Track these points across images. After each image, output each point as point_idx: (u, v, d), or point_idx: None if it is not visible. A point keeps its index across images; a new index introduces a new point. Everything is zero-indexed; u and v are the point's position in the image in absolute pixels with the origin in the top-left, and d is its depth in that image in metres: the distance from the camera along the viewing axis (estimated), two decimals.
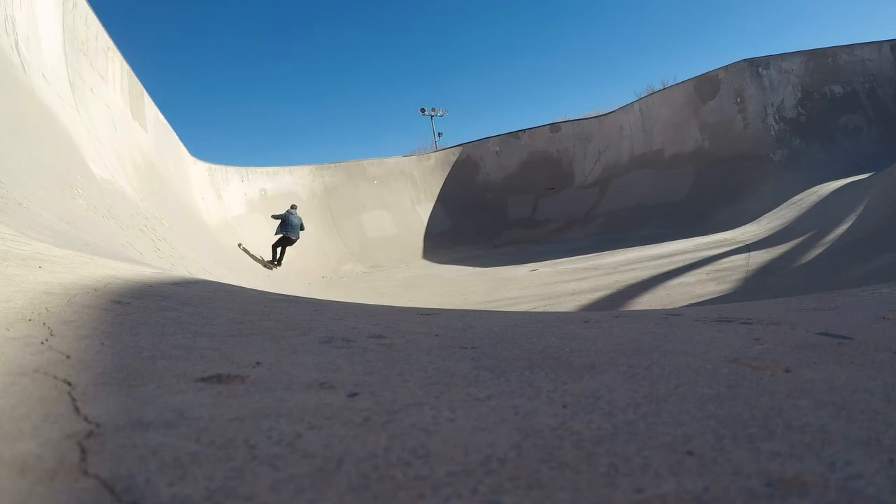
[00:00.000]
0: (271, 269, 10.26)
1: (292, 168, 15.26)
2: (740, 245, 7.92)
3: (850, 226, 6.65)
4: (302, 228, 10.58)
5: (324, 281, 10.70)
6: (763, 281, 5.58)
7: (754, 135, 12.99)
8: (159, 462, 0.59)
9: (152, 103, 9.43)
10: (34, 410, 0.70)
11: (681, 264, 7.01)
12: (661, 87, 19.20)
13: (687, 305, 4.70)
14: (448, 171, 17.57)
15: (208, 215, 11.03)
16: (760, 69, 13.28)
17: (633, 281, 6.31)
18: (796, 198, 9.96)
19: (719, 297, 5.06)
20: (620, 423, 0.79)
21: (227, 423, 0.73)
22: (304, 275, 10.87)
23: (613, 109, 17.30)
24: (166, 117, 10.27)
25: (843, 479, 0.60)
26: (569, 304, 5.51)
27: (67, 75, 5.90)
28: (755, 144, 12.84)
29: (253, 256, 10.39)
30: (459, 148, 18.16)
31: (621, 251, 9.23)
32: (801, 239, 7.23)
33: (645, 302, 5.22)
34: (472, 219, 16.14)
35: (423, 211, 16.42)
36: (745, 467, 0.63)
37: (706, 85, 14.15)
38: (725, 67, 13.77)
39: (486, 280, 8.45)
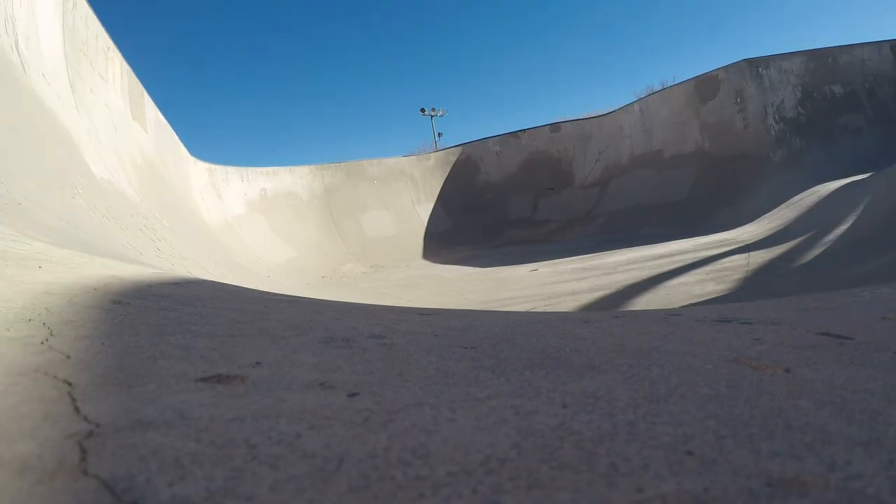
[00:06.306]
0: None
1: (292, 168, 15.26)
2: (740, 245, 7.92)
3: (850, 226, 6.64)
4: None
5: (324, 281, 10.69)
6: (763, 281, 5.58)
7: (754, 135, 12.98)
8: (159, 462, 0.59)
9: (152, 103, 9.42)
10: (34, 410, 0.70)
11: (681, 264, 7.00)
12: (660, 87, 19.18)
13: (687, 305, 4.70)
14: (448, 171, 17.56)
15: (208, 215, 11.03)
16: (760, 69, 13.27)
17: (632, 281, 6.31)
18: (796, 198, 9.95)
19: (719, 297, 5.06)
20: (620, 423, 0.79)
21: (227, 423, 0.73)
22: (304, 275, 10.86)
23: (613, 109, 17.27)
24: (166, 117, 10.25)
25: (843, 479, 0.60)
26: (569, 304, 5.50)
27: (67, 75, 5.89)
28: (755, 144, 12.83)
29: None
30: (459, 148, 18.14)
31: (621, 251, 9.22)
32: (801, 239, 7.22)
33: (645, 302, 5.22)
34: (472, 219, 16.13)
35: (423, 211, 16.41)
36: (745, 467, 0.63)
37: (706, 85, 14.13)
38: (725, 67, 13.75)
39: (486, 280, 8.44)
